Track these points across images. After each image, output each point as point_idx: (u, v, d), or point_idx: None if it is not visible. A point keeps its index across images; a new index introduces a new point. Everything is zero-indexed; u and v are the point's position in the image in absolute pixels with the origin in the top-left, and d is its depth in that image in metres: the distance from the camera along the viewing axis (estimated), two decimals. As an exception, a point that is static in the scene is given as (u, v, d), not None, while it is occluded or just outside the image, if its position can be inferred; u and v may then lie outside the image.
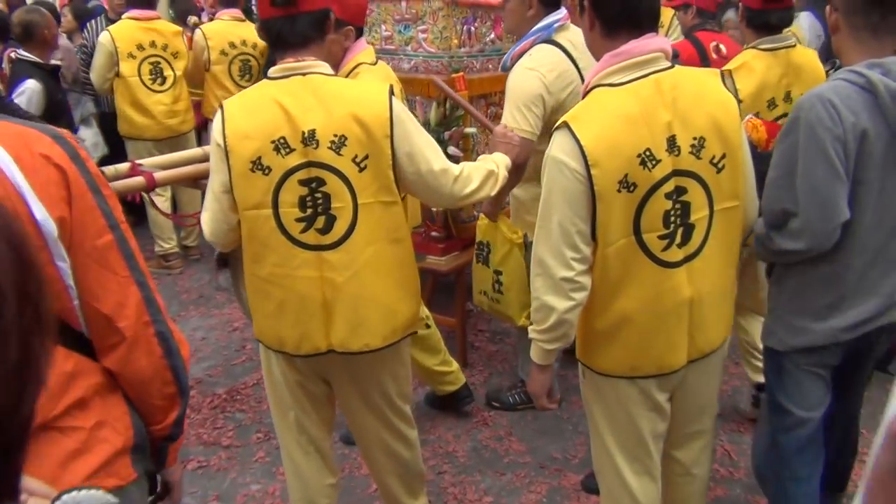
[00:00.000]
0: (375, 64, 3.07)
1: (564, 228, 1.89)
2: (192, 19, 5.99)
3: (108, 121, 5.47)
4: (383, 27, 3.80)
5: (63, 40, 5.81)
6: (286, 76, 2.10)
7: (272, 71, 2.13)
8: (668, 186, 1.88)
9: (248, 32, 5.22)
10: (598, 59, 1.95)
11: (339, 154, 2.07)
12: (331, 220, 2.10)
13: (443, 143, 3.59)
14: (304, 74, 2.09)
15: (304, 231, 2.09)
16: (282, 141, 2.04)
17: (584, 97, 1.96)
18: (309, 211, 2.08)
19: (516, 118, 2.94)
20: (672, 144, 1.87)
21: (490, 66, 3.93)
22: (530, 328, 2.06)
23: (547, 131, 2.93)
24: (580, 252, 1.90)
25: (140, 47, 4.96)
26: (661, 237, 1.91)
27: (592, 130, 1.85)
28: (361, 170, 2.09)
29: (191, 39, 5.30)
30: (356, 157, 2.08)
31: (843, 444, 2.56)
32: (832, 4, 2.16)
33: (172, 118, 5.10)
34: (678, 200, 1.91)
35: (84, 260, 1.28)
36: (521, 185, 3.21)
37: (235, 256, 2.71)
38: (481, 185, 2.30)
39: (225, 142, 2.05)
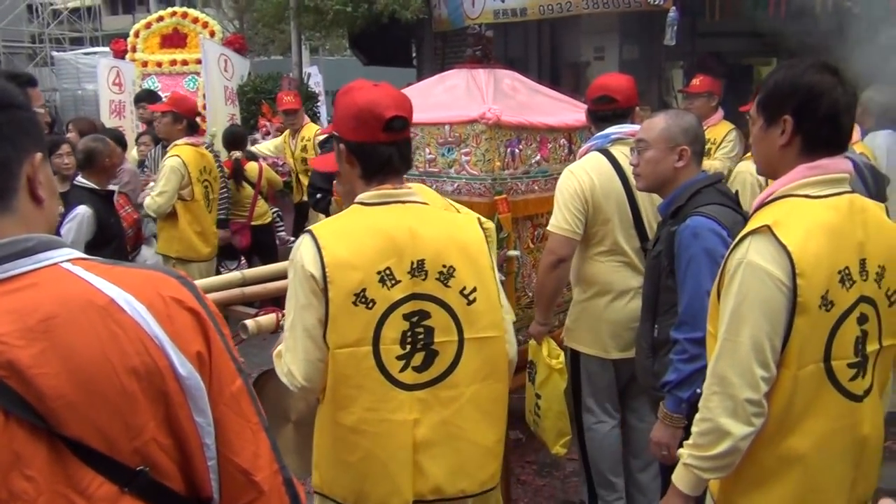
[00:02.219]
0: None
1: (758, 343, 1.71)
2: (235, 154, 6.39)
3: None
4: (427, 150, 3.80)
5: (129, 165, 6.07)
6: (384, 203, 1.99)
7: (366, 196, 2.00)
8: (857, 311, 1.76)
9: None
10: (778, 172, 1.87)
11: (446, 286, 1.96)
12: (431, 356, 1.96)
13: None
14: (403, 202, 2.00)
15: (402, 370, 1.94)
16: (387, 272, 1.92)
17: (762, 206, 1.85)
18: (408, 347, 1.94)
19: (557, 217, 3.13)
20: (863, 267, 1.76)
21: (536, 187, 3.87)
22: (686, 452, 1.84)
23: (589, 236, 3.14)
24: (770, 371, 1.73)
25: (201, 171, 5.22)
26: (851, 365, 1.77)
27: (798, 238, 1.72)
28: (470, 303, 1.98)
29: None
30: (464, 289, 1.98)
31: None
32: None
33: (216, 239, 5.41)
34: (861, 328, 1.78)
35: (223, 410, 1.18)
36: (578, 294, 3.28)
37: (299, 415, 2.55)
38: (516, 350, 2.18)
39: (324, 272, 1.88)
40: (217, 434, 1.17)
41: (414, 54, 10.68)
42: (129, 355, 1.09)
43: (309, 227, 2.00)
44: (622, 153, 3.13)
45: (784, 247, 1.70)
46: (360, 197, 2.01)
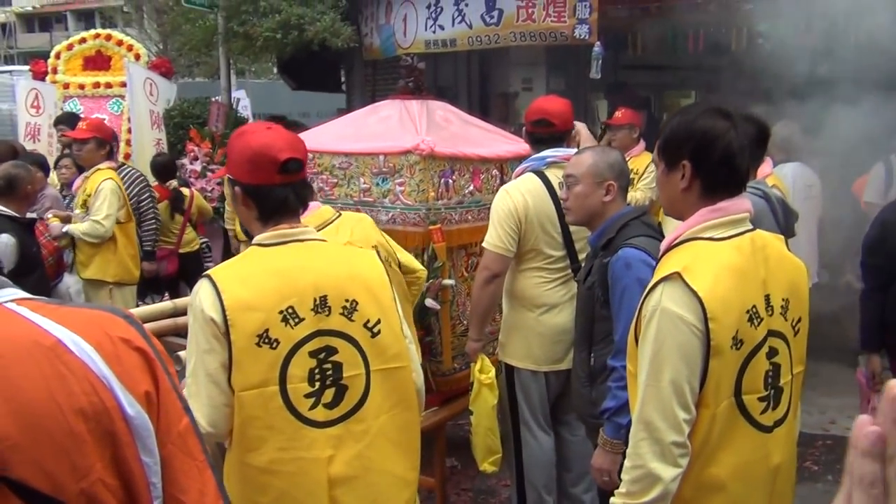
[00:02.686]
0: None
1: (678, 387, 1.76)
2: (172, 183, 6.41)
3: None
4: (361, 179, 3.83)
5: (51, 190, 5.87)
6: (282, 243, 1.98)
7: (263, 238, 1.99)
8: (766, 346, 1.84)
9: None
10: (682, 214, 1.94)
11: (350, 320, 1.96)
12: (341, 392, 1.95)
13: (421, 295, 3.54)
14: (302, 241, 2.00)
15: (312, 408, 1.92)
16: (290, 311, 1.90)
17: (669, 250, 1.92)
18: (317, 384, 1.93)
19: (492, 234, 3.27)
20: (768, 303, 1.85)
21: (469, 217, 3.94)
22: (620, 502, 1.84)
23: (520, 253, 3.26)
24: (691, 413, 1.78)
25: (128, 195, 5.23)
26: (761, 399, 1.85)
27: (707, 282, 1.77)
28: (374, 335, 1.98)
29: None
30: (368, 321, 1.98)
31: None
32: None
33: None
34: (771, 361, 1.86)
35: (171, 449, 1.18)
36: (509, 309, 3.37)
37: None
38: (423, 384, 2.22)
39: (224, 315, 1.85)
40: (164, 473, 1.17)
41: (343, 80, 10.71)
42: (77, 396, 1.08)
43: (207, 272, 1.98)
44: (556, 175, 3.26)
45: (695, 293, 1.75)
46: (258, 238, 2.01)
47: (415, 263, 3.21)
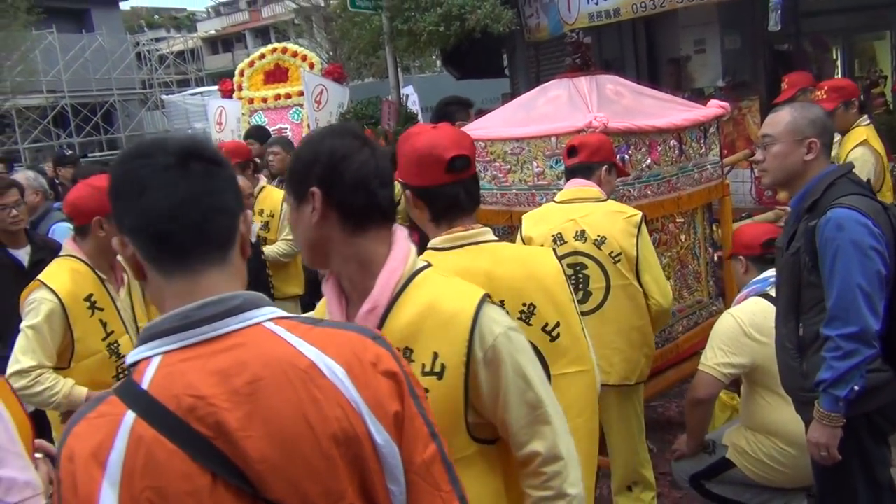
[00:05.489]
0: None
1: None
2: None
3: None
4: (535, 163, 3.79)
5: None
6: (458, 246, 1.94)
7: (437, 241, 1.95)
8: None
9: None
10: (329, 253, 1.60)
11: (528, 324, 1.96)
12: None
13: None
14: (477, 243, 1.96)
15: None
16: None
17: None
18: None
19: (707, 356, 3.10)
20: None
21: (648, 192, 3.80)
22: None
23: (740, 383, 3.15)
24: None
25: None
26: None
27: None
28: (553, 339, 1.98)
29: None
30: (546, 325, 1.98)
31: None
32: None
33: None
34: None
35: (413, 479, 1.17)
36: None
37: None
38: None
39: None
40: (409, 502, 1.16)
41: (506, 65, 10.70)
42: (330, 421, 1.09)
43: None
44: None
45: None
46: (433, 242, 1.98)
47: (651, 288, 3.13)
